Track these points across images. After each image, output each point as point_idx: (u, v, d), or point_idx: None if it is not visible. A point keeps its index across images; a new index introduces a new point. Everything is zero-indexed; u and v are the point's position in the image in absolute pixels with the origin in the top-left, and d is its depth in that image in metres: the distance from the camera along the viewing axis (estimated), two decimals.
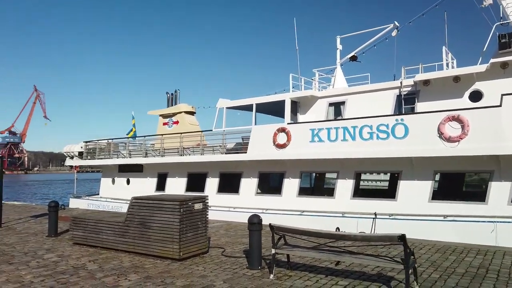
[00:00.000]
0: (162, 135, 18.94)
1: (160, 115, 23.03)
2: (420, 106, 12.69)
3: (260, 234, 7.08)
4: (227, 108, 16.41)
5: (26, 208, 18.13)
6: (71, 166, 22.98)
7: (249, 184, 15.63)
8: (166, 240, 7.70)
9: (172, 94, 23.52)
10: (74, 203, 21.23)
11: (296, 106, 15.05)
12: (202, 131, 17.01)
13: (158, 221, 7.84)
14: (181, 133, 17.77)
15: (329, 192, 13.76)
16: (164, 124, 22.74)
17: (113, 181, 21.26)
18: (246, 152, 15.02)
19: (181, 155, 17.72)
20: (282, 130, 13.88)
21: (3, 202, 20.81)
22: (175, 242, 7.56)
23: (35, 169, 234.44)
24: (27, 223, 13.15)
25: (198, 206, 8.02)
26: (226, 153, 16.09)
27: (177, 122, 22.10)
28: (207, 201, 8.29)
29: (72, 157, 22.17)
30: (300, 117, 15.09)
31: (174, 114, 22.26)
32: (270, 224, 6.53)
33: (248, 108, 16.15)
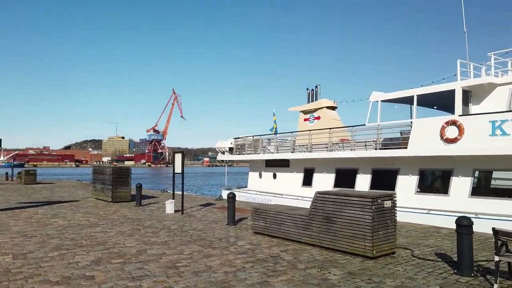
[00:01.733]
0: (310, 130, 19.16)
1: (301, 111, 23.39)
2: None
3: (471, 238, 6.41)
4: (381, 101, 15.65)
5: (189, 198, 20.40)
6: (223, 161, 25.05)
7: (407, 182, 14.66)
8: (356, 237, 7.59)
9: (312, 90, 23.66)
10: (225, 195, 23.07)
11: (468, 96, 13.45)
12: (354, 126, 16.59)
13: (346, 216, 7.78)
14: (330, 128, 17.69)
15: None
16: (305, 120, 23.01)
17: (260, 175, 22.44)
18: (406, 148, 14.11)
19: (329, 151, 17.65)
20: (453, 123, 12.57)
21: (168, 191, 23.67)
22: (367, 239, 7.39)
23: None
24: (200, 211, 14.67)
25: (387, 203, 7.71)
26: (380, 149, 15.39)
27: (318, 118, 22.13)
28: (395, 199, 7.92)
29: (223, 152, 24.17)
30: (473, 108, 13.45)
31: (315, 110, 22.34)
32: (493, 228, 5.83)
33: (407, 100, 15.13)
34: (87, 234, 9.83)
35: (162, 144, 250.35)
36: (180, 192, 14.00)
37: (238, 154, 23.63)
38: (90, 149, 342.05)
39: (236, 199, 21.32)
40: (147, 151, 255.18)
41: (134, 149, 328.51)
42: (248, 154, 22.65)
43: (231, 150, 23.81)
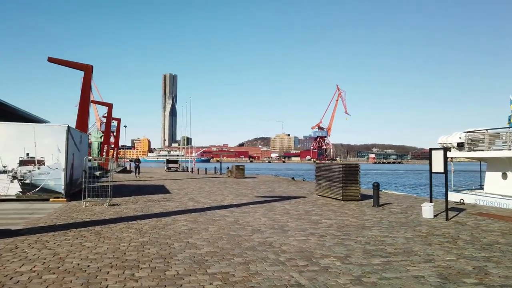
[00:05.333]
0: None
1: None
2: None
3: None
4: None
5: (416, 200, 18.30)
6: (450, 158, 21.94)
7: None
8: None
9: None
10: (454, 197, 20.02)
11: None
12: None
13: None
14: None
15: None
16: None
17: (504, 176, 18.60)
18: None
19: None
20: None
21: (384, 190, 21.83)
22: None
23: (337, 158, 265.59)
24: (459, 218, 12.48)
25: None
26: None
27: None
28: None
29: (448, 149, 21.12)
30: None
31: None
32: None
33: None
34: (375, 239, 8.99)
35: (326, 141, 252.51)
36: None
37: (468, 151, 20.21)
38: (260, 146, 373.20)
39: (474, 203, 18.23)
40: (312, 147, 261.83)
41: (298, 146, 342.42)
42: (487, 150, 19.05)
43: (459, 145, 20.56)
